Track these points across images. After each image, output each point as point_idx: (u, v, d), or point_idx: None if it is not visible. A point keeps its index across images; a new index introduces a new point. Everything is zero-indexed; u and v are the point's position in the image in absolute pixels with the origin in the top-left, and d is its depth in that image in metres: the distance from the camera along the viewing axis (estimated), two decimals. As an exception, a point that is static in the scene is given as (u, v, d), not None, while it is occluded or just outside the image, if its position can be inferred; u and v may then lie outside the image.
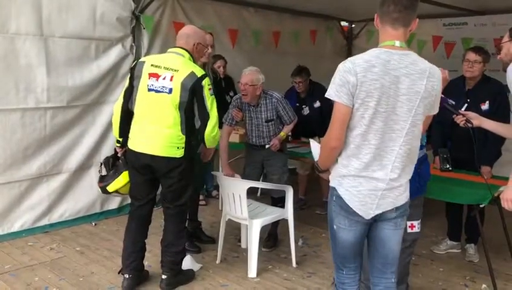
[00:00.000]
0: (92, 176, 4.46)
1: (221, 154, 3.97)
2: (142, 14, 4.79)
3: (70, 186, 4.48)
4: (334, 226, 2.17)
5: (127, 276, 3.21)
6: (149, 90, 3.04)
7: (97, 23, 4.48)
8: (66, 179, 4.43)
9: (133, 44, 4.77)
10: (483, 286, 3.37)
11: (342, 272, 2.25)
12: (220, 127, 4.38)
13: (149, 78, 3.04)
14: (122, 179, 3.24)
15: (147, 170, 3.13)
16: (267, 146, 3.95)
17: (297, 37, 6.61)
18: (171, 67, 3.03)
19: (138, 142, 3.11)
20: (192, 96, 3.03)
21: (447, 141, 3.75)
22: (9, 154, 4.07)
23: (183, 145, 3.08)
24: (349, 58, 2.06)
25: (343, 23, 7.57)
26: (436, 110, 2.18)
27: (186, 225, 4.05)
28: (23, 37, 4.06)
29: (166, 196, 3.22)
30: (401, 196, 2.14)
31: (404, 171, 2.12)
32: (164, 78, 3.01)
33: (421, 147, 2.98)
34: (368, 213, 2.10)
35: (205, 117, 3.08)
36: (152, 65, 3.07)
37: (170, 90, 3.00)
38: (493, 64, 4.13)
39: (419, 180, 2.91)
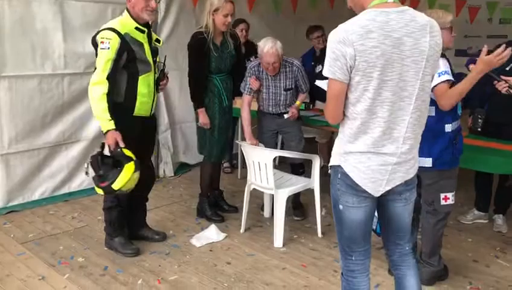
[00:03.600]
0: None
1: (244, 123, 3.85)
2: (159, -24, 4.61)
3: (89, 154, 4.34)
4: (340, 206, 1.97)
5: None
6: None
7: (113, -14, 4.33)
8: (85, 147, 4.36)
9: (150, 7, 4.61)
10: (515, 257, 3.32)
11: (350, 259, 2.05)
12: (238, 95, 4.28)
13: None
14: (126, 174, 2.94)
15: None
16: (286, 116, 3.81)
17: (315, 2, 6.39)
18: None
19: None
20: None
21: (486, 103, 3.60)
22: (27, 121, 4.01)
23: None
24: (340, 26, 1.79)
25: (362, -13, 7.31)
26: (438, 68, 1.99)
27: (209, 194, 4.00)
28: (38, 0, 3.91)
29: None
30: (412, 168, 1.97)
31: (415, 141, 1.95)
32: None
33: (456, 118, 2.88)
34: (378, 190, 1.92)
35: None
36: None
37: None
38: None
39: (453, 152, 2.81)
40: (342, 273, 2.14)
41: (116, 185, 2.94)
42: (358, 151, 1.89)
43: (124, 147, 2.98)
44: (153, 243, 3.47)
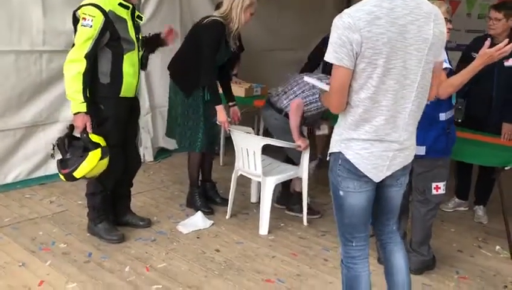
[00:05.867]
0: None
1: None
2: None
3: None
4: (341, 193, 1.97)
5: None
6: None
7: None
8: (63, 128, 4.10)
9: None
10: (497, 247, 3.39)
11: (351, 245, 2.05)
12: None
13: None
14: (91, 162, 2.81)
15: None
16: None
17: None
18: None
19: None
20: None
21: (464, 97, 3.68)
22: (2, 100, 3.80)
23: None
24: (346, 11, 1.77)
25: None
26: (441, 57, 1.99)
27: (199, 184, 3.87)
28: (16, -29, 3.70)
29: None
30: (410, 155, 2.01)
31: (415, 127, 1.98)
32: None
33: (450, 107, 2.90)
34: (379, 176, 1.94)
35: None
36: None
37: None
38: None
39: (446, 141, 2.84)
40: (341, 261, 2.13)
41: (77, 173, 2.84)
42: (361, 139, 1.89)
43: (91, 133, 2.86)
44: (137, 229, 3.36)
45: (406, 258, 2.19)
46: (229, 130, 3.57)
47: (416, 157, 2.70)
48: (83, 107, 2.81)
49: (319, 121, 3.87)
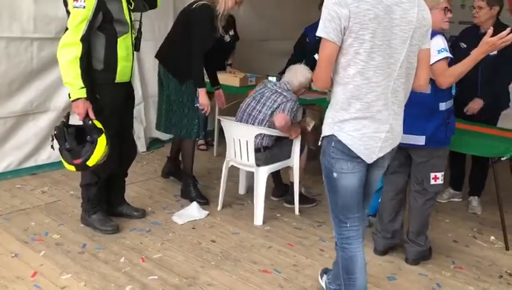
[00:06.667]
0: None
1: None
2: None
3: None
4: (334, 174, 2.02)
5: None
6: None
7: None
8: (54, 117, 4.08)
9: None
10: (492, 237, 3.40)
11: (345, 226, 2.11)
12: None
13: None
14: (100, 148, 2.76)
15: None
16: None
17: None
18: None
19: None
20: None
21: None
22: (-8, 88, 3.71)
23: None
24: None
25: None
26: (428, 45, 2.05)
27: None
28: (5, -45, 3.60)
29: None
30: (398, 136, 2.08)
31: (399, 108, 2.02)
32: None
33: (451, 97, 2.89)
34: (371, 157, 2.00)
35: None
36: None
37: None
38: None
39: (446, 131, 2.83)
40: (336, 243, 2.19)
41: (90, 162, 2.77)
42: (353, 118, 1.94)
43: (94, 119, 2.78)
44: (132, 220, 3.32)
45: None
46: (219, 119, 3.55)
47: (416, 147, 2.73)
48: (83, 93, 2.73)
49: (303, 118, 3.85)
